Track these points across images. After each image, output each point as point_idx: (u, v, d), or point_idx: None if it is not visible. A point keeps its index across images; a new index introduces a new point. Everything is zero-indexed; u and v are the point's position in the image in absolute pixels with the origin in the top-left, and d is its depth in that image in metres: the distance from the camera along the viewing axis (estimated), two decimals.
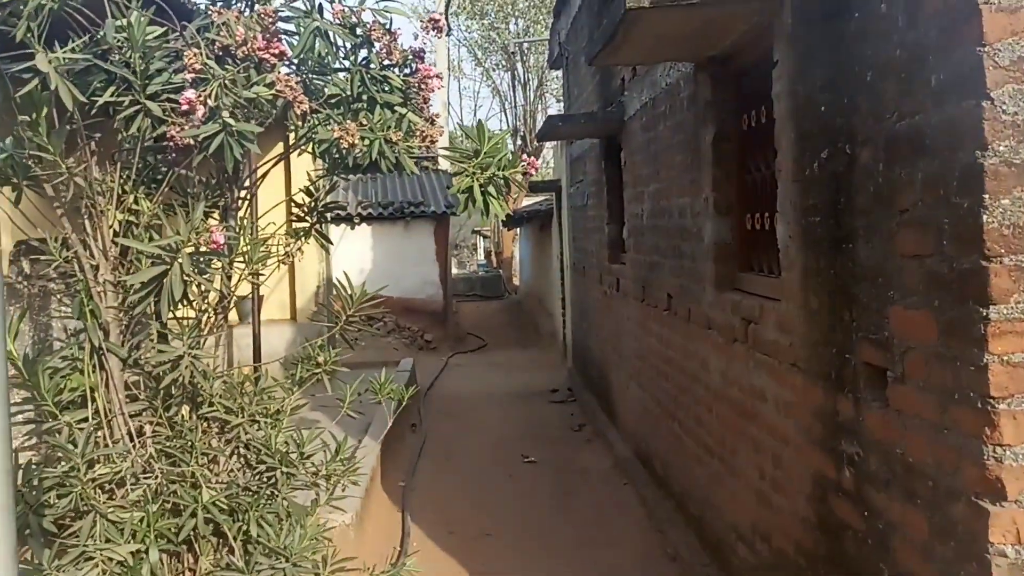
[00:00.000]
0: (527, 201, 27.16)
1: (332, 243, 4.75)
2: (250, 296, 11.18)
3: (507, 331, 21.62)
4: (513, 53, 35.53)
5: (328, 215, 4.47)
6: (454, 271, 34.14)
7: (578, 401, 10.93)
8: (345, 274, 4.27)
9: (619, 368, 8.00)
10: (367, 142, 3.18)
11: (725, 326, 4.42)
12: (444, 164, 22.04)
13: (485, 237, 43.64)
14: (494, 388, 12.74)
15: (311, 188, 4.54)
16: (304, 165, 11.19)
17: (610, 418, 8.63)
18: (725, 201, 4.56)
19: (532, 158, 3.31)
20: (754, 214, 4.30)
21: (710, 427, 4.80)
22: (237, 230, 3.85)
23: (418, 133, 3.36)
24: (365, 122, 3.23)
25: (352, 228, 15.59)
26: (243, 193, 4.07)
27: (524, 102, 35.65)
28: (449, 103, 32.24)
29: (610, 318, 8.52)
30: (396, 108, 3.34)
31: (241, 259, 3.77)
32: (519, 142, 35.33)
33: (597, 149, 8.81)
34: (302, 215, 4.40)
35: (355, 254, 17.27)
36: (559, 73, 38.09)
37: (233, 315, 10.40)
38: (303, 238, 4.38)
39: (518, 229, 32.34)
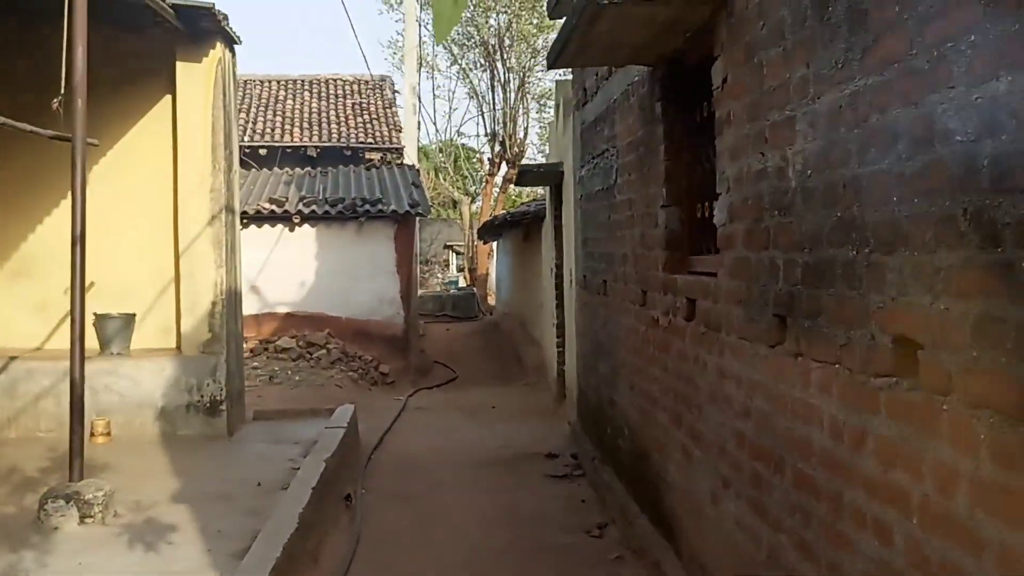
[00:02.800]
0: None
1: None
2: (116, 315, 7.61)
3: (483, 360, 18.15)
4: (493, 50, 32.21)
5: None
6: (422, 290, 30.72)
7: (589, 476, 7.47)
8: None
9: (690, 457, 4.57)
10: None
11: None
12: (410, 158, 18.58)
13: (458, 253, 40.33)
14: (467, 447, 9.24)
15: None
16: (201, 99, 7.57)
17: (660, 529, 5.19)
18: None
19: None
20: None
21: None
22: None
23: None
24: None
25: (291, 230, 12.08)
26: None
27: (504, 104, 32.27)
28: (421, 102, 28.90)
29: (664, 365, 5.10)
30: None
31: None
32: (497, 148, 32.05)
33: (646, 86, 5.41)
34: None
35: (294, 263, 13.77)
36: (542, 73, 34.89)
37: (92, 340, 6.59)
38: None
39: (495, 243, 28.94)
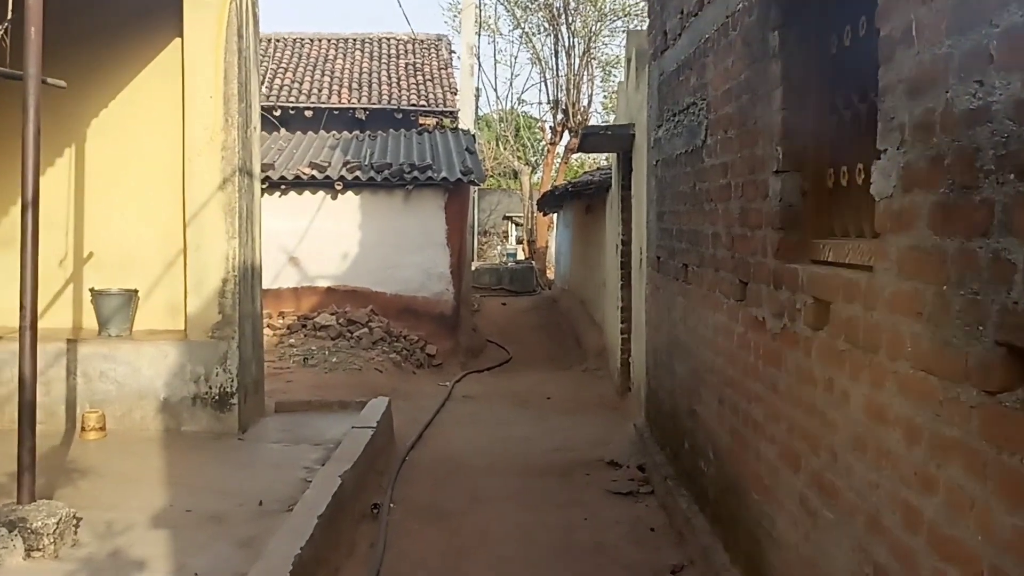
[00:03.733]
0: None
1: None
2: (115, 292, 6.63)
3: (539, 339, 17.03)
4: (558, 13, 30.69)
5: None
6: (479, 262, 29.73)
7: (659, 497, 6.26)
8: None
9: (814, 516, 3.32)
10: None
11: None
12: (465, 122, 17.37)
13: (518, 224, 39.14)
14: (516, 447, 8.09)
15: None
16: (211, 41, 6.31)
17: None
18: None
19: None
20: None
21: None
22: None
23: None
24: None
25: (334, 198, 11.00)
26: None
27: (568, 71, 30.77)
28: (480, 64, 27.63)
29: (773, 383, 3.84)
30: None
31: None
32: (559, 116, 30.65)
33: (754, 13, 4.11)
34: None
35: (337, 233, 12.73)
36: (609, 38, 33.22)
37: (90, 319, 5.64)
38: None
39: (555, 216, 27.66)
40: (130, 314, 6.83)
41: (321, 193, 12.70)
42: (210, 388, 6.64)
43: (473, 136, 15.14)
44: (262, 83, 16.67)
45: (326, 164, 12.68)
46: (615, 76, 42.94)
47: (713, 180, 4.96)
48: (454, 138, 14.75)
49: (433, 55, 18.06)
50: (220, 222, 6.61)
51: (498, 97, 44.73)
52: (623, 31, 32.62)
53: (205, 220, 6.61)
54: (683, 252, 5.87)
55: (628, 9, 31.09)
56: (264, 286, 12.99)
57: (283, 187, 12.54)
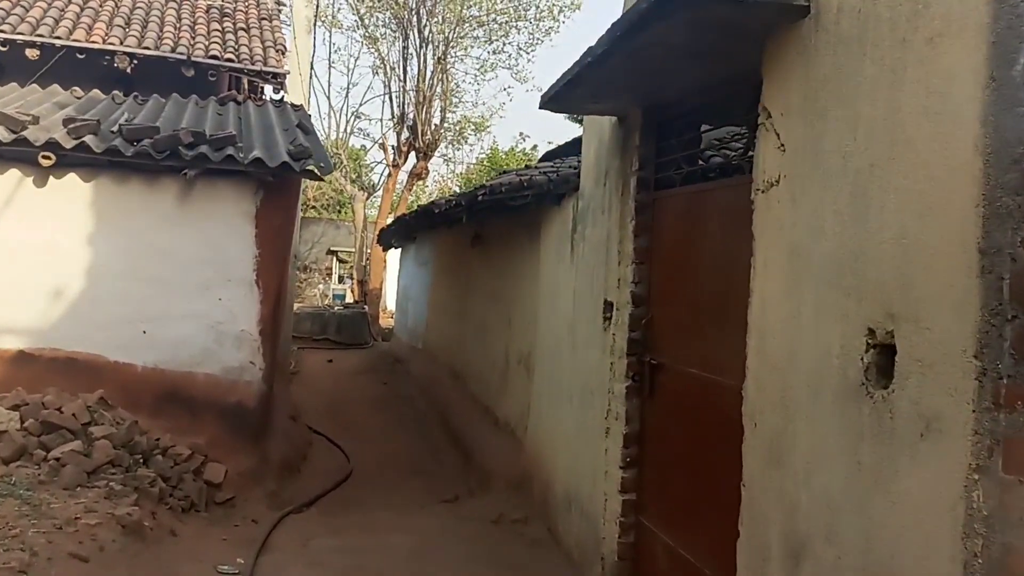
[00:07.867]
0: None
1: None
2: None
3: (388, 425, 11.58)
4: (410, 13, 25.52)
5: None
6: (297, 304, 23.77)
7: None
8: None
9: None
10: None
11: None
12: (295, 95, 11.72)
13: (343, 261, 33.34)
14: None
15: None
16: None
17: None
18: None
19: None
20: None
21: None
22: None
23: None
24: None
25: (42, 183, 4.95)
26: None
27: (418, 81, 25.61)
28: (313, 69, 21.98)
29: None
30: None
31: None
32: (405, 134, 25.44)
33: None
34: None
35: (43, 250, 6.76)
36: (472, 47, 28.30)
37: None
38: None
39: (399, 251, 22.24)
40: None
41: (15, 172, 6.72)
42: None
43: (308, 114, 9.56)
44: None
45: (29, 119, 6.71)
46: (467, 99, 38.08)
47: None
48: (278, 112, 9.11)
49: (252, 2, 12.35)
50: None
51: (331, 107, 38.87)
52: (485, 41, 27.93)
53: None
54: None
55: (493, 15, 26.41)
56: None
57: None
